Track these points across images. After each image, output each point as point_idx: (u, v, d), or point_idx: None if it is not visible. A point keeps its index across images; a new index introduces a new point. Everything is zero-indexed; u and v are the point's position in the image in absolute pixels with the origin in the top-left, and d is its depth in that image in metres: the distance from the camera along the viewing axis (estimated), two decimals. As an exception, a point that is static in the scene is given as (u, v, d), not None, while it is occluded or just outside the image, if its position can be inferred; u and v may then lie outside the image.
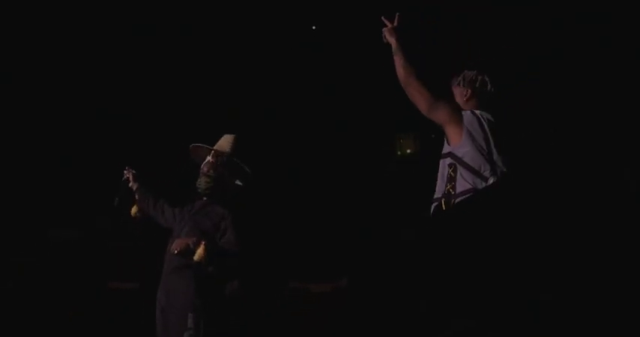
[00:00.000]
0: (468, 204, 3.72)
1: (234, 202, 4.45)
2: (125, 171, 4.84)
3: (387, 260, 7.09)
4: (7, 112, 7.60)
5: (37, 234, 7.52)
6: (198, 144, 4.52)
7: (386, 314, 6.60)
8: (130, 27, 7.47)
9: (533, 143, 6.75)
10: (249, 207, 4.54)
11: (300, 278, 7.12)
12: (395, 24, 4.01)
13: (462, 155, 3.79)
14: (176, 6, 7.29)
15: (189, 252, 4.09)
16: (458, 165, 3.78)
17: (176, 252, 4.13)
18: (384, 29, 4.02)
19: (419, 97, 3.84)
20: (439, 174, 3.88)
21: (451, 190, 3.78)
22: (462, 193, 3.74)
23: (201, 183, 4.41)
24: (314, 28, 7.59)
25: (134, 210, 4.76)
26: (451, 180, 3.79)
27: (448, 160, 3.83)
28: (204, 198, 4.45)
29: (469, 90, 3.99)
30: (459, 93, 4.01)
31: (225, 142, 4.50)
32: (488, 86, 4.00)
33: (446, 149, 3.88)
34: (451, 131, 3.84)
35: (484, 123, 3.84)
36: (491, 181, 3.73)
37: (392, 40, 3.97)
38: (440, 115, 3.84)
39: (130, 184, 4.79)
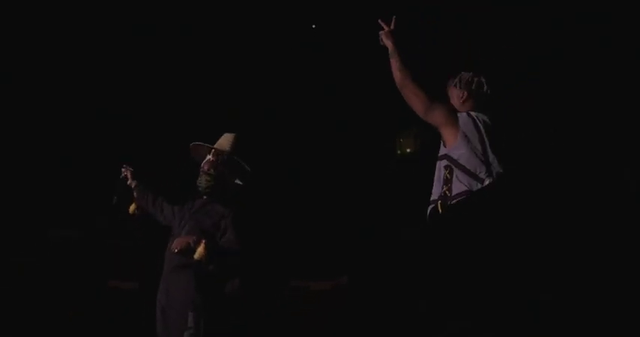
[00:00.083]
0: (463, 206, 3.73)
1: (234, 201, 4.45)
2: (123, 169, 4.85)
3: (387, 259, 7.10)
4: (7, 112, 7.59)
5: (37, 234, 7.51)
6: (199, 142, 4.52)
7: (386, 313, 6.60)
8: (130, 27, 7.46)
9: (532, 143, 6.76)
10: (250, 206, 4.54)
11: (300, 276, 7.12)
12: (392, 27, 4.03)
13: (457, 157, 3.81)
14: (176, 6, 7.29)
15: (190, 250, 4.09)
16: (454, 167, 3.80)
17: (176, 250, 4.13)
18: (381, 32, 4.04)
19: (415, 100, 3.87)
20: (435, 176, 3.90)
21: (447, 192, 3.80)
22: (458, 195, 3.77)
23: (202, 181, 4.41)
24: (314, 26, 7.58)
25: (132, 207, 4.77)
26: (447, 182, 3.81)
27: (444, 162, 3.86)
28: (205, 197, 4.45)
29: (465, 92, 4.01)
30: (456, 95, 4.04)
31: (225, 141, 4.51)
32: (485, 88, 4.02)
33: (442, 151, 3.91)
34: (447, 133, 3.86)
35: (480, 124, 3.86)
36: (486, 183, 3.75)
37: (388, 43, 4.00)
38: (436, 117, 3.87)
39: (128, 182, 4.80)
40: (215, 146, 4.50)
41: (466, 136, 3.82)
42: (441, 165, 3.88)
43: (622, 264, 6.36)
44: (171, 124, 7.64)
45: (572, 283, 6.33)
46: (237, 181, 4.57)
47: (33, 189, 7.62)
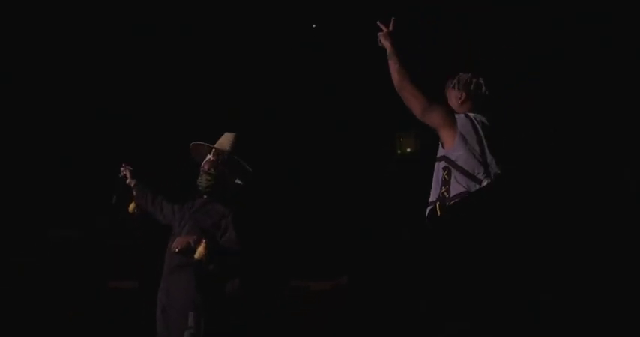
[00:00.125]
0: (461, 207, 3.73)
1: (234, 201, 4.45)
2: (122, 168, 4.85)
3: (387, 259, 7.09)
4: (7, 112, 7.59)
5: (37, 234, 7.50)
6: (199, 142, 4.52)
7: (386, 313, 6.60)
8: (130, 27, 7.46)
9: (532, 143, 6.76)
10: (250, 206, 4.54)
11: (300, 276, 7.12)
12: (390, 28, 4.03)
13: (455, 158, 3.81)
14: (176, 6, 7.29)
15: (190, 250, 4.08)
16: (452, 169, 3.81)
17: (177, 250, 4.13)
18: (380, 33, 4.04)
19: (413, 101, 3.87)
20: (434, 178, 3.91)
21: (445, 194, 3.80)
22: (456, 196, 3.77)
23: (202, 181, 4.41)
24: (314, 26, 7.58)
25: (132, 206, 4.76)
26: (445, 183, 3.82)
27: (442, 163, 3.87)
28: (205, 196, 4.44)
29: (464, 93, 4.01)
30: (454, 96, 4.04)
31: (225, 140, 4.51)
32: (483, 89, 4.02)
33: (440, 152, 3.91)
34: (445, 134, 3.87)
35: (478, 125, 3.87)
36: (484, 184, 3.75)
37: (387, 45, 4.00)
38: (434, 119, 3.87)
39: (128, 181, 4.79)
40: (215, 145, 4.49)
41: (464, 137, 3.82)
42: (439, 166, 3.89)
43: (622, 264, 6.37)
44: (171, 124, 7.64)
45: (572, 283, 6.33)
46: (238, 181, 4.57)
47: (33, 189, 7.62)
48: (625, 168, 7.00)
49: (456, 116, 3.89)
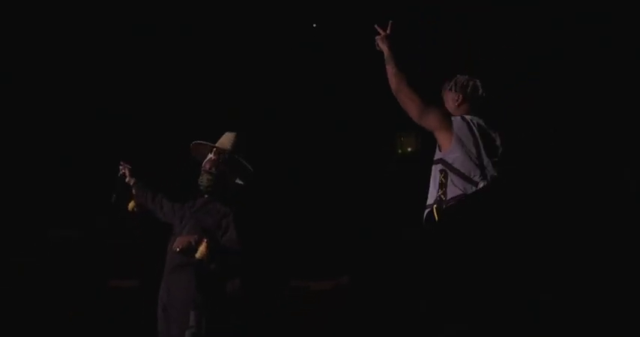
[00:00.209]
0: (458, 210, 3.74)
1: (235, 200, 4.44)
2: (121, 167, 4.84)
3: (387, 259, 7.09)
4: (7, 112, 7.59)
5: (37, 234, 7.50)
6: (200, 141, 4.52)
7: (386, 313, 6.59)
8: (130, 27, 7.47)
9: (532, 143, 6.77)
10: (250, 206, 4.54)
11: (300, 276, 7.12)
12: (388, 32, 4.04)
13: (452, 161, 3.82)
14: (176, 6, 7.29)
15: (192, 249, 4.08)
16: (448, 171, 3.82)
17: (178, 249, 4.12)
18: (377, 37, 4.05)
19: (410, 104, 3.88)
20: (431, 181, 3.92)
21: (442, 196, 3.81)
22: (453, 199, 3.78)
23: (203, 180, 4.40)
24: (314, 25, 7.59)
25: (131, 205, 4.75)
26: (442, 186, 3.83)
27: (439, 166, 3.88)
28: (206, 196, 4.44)
29: (460, 95, 4.02)
30: (451, 98, 4.04)
31: (226, 140, 4.50)
32: (480, 91, 4.03)
33: (437, 155, 3.92)
34: (441, 137, 3.88)
35: (474, 128, 3.87)
36: (481, 186, 3.76)
37: (384, 48, 4.01)
38: (430, 121, 3.88)
39: (127, 179, 4.79)
40: (216, 145, 4.49)
41: (460, 140, 3.83)
42: (436, 169, 3.90)
43: (622, 264, 6.37)
44: (172, 124, 7.64)
45: (572, 284, 6.34)
46: (238, 181, 4.57)
47: (33, 189, 7.62)
48: (625, 168, 7.01)
49: (453, 119, 3.90)
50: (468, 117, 3.92)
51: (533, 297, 5.91)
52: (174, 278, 4.26)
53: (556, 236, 6.54)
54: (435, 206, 3.82)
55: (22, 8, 7.13)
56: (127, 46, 7.60)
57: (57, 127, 7.80)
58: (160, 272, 4.39)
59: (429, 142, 4.04)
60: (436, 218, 3.80)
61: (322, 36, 7.61)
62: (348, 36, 6.95)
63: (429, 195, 3.90)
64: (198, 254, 4.05)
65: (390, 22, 4.05)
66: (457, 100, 4.01)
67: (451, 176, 3.80)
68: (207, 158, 4.46)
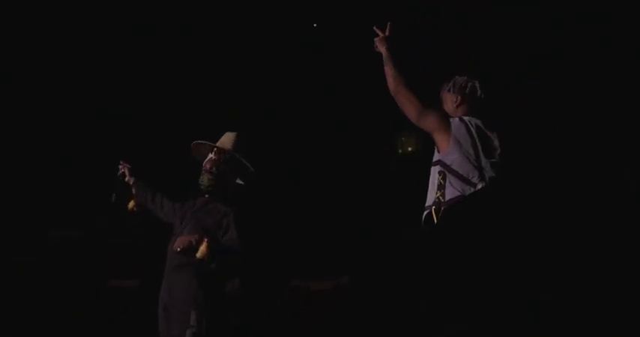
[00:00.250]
0: (457, 211, 3.74)
1: (235, 200, 4.45)
2: (120, 166, 4.84)
3: (387, 259, 7.09)
4: (7, 112, 7.59)
5: (37, 234, 7.50)
6: (201, 141, 4.52)
7: (386, 313, 6.59)
8: (130, 27, 7.47)
9: (532, 143, 6.77)
10: (251, 205, 4.54)
11: (301, 276, 7.12)
12: (386, 33, 4.04)
13: (450, 162, 3.83)
14: (176, 6, 7.29)
15: (192, 249, 4.08)
16: (447, 173, 3.83)
17: (179, 249, 4.12)
18: (376, 39, 4.06)
19: (408, 105, 3.89)
20: (430, 182, 3.93)
21: (441, 198, 3.82)
22: (451, 200, 3.78)
23: (204, 180, 4.41)
24: (315, 25, 7.59)
25: (131, 204, 4.75)
26: (441, 187, 3.83)
27: (437, 168, 3.88)
28: (206, 196, 4.44)
29: (459, 96, 4.02)
30: (449, 100, 4.04)
31: (227, 140, 4.51)
32: (478, 92, 4.03)
33: (435, 157, 3.93)
34: (440, 138, 3.88)
35: (472, 129, 3.88)
36: (479, 187, 3.76)
37: (383, 50, 4.02)
38: (428, 123, 3.89)
39: (127, 179, 4.78)
40: (217, 144, 4.50)
41: (458, 141, 3.83)
42: (434, 170, 3.90)
43: (622, 264, 6.37)
44: (172, 124, 7.64)
45: (571, 284, 6.34)
46: (239, 181, 4.57)
47: (33, 189, 7.62)
48: (625, 168, 7.01)
49: (451, 120, 3.90)
50: (466, 118, 3.93)
51: (533, 297, 5.91)
52: (175, 278, 4.26)
53: (556, 236, 6.54)
54: (433, 207, 3.83)
55: (22, 8, 7.13)
56: (127, 46, 7.60)
57: (57, 127, 7.80)
58: (160, 272, 4.39)
59: (429, 142, 4.04)
60: (435, 219, 3.80)
61: (322, 36, 7.61)
62: (348, 36, 6.95)
63: (428, 197, 3.90)
64: (198, 254, 4.05)
65: (389, 23, 4.05)
66: (456, 101, 4.01)
67: (449, 177, 3.80)
68: (208, 158, 4.47)
